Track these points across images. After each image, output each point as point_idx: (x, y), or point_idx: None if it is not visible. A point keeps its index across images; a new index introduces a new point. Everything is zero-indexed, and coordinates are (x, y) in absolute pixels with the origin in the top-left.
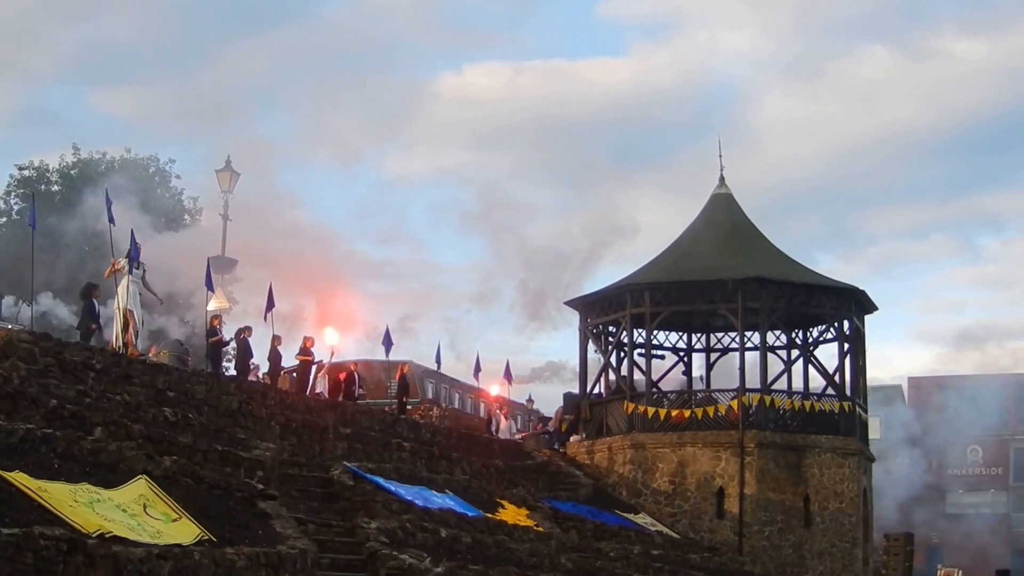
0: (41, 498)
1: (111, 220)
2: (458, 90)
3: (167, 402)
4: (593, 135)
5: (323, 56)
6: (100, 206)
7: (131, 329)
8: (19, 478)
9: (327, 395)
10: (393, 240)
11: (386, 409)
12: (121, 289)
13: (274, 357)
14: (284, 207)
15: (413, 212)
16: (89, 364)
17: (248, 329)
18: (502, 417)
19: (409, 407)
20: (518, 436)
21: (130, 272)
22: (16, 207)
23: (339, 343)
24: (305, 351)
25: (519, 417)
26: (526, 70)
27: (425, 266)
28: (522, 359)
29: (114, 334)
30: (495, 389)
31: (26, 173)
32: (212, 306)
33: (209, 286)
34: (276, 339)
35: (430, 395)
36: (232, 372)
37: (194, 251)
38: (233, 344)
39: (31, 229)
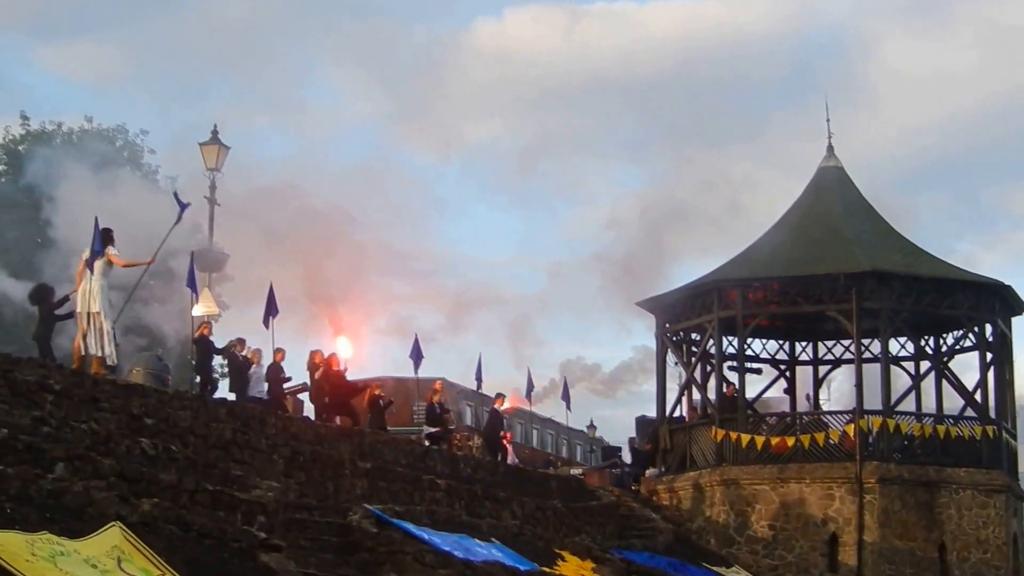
0: None
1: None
2: (498, 41)
3: (144, 431)
4: (667, 96)
5: None
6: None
7: (96, 337)
8: None
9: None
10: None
11: (414, 438)
12: (81, 291)
13: (275, 375)
14: (283, 188)
15: (443, 193)
16: (46, 384)
17: (241, 342)
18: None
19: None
20: (579, 471)
21: (90, 267)
22: None
23: (354, 356)
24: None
25: (579, 447)
26: (584, 15)
27: (460, 259)
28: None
29: (75, 346)
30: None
31: None
32: (198, 311)
33: (192, 287)
34: (278, 353)
35: (469, 421)
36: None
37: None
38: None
39: None
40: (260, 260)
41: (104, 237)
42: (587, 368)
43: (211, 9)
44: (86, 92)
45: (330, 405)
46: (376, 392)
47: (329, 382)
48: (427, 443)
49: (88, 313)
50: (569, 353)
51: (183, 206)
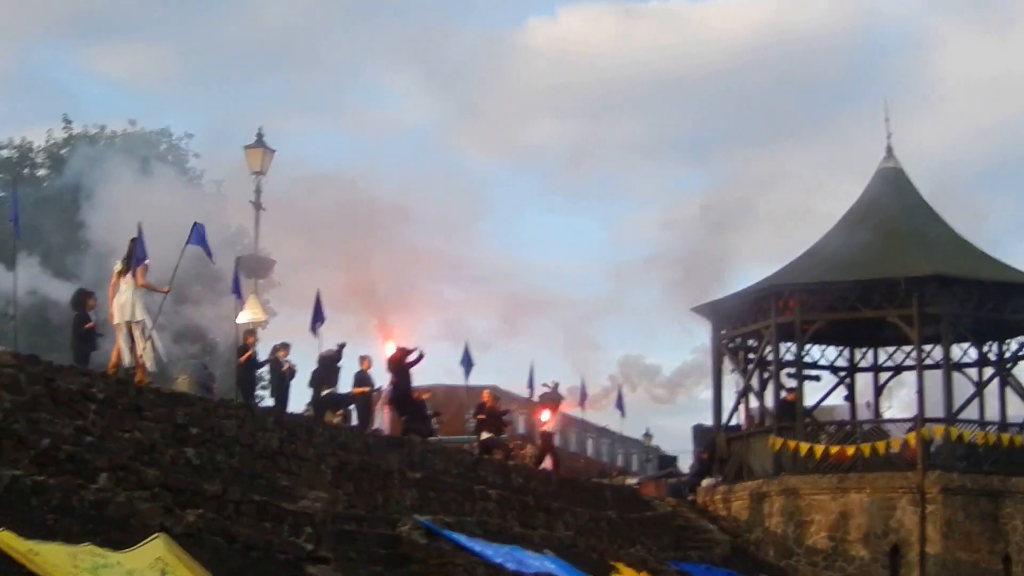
0: (32, 563)
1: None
2: (552, 41)
3: (189, 440)
4: (724, 96)
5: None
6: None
7: (136, 345)
8: (4, 538)
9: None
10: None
11: (466, 447)
12: (117, 303)
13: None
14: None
15: (496, 196)
16: (89, 393)
17: (285, 347)
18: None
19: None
20: (634, 480)
21: (133, 274)
22: None
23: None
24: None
25: (634, 456)
26: (638, 14)
27: (514, 263)
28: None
29: (115, 351)
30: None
31: (4, 153)
32: (244, 318)
33: (237, 292)
34: (364, 361)
35: (521, 429)
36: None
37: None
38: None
39: (13, 226)
40: (309, 265)
41: (129, 250)
42: (646, 369)
43: (259, 11)
44: (131, 96)
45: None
46: (425, 398)
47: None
48: (482, 439)
49: (127, 323)
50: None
51: (209, 252)
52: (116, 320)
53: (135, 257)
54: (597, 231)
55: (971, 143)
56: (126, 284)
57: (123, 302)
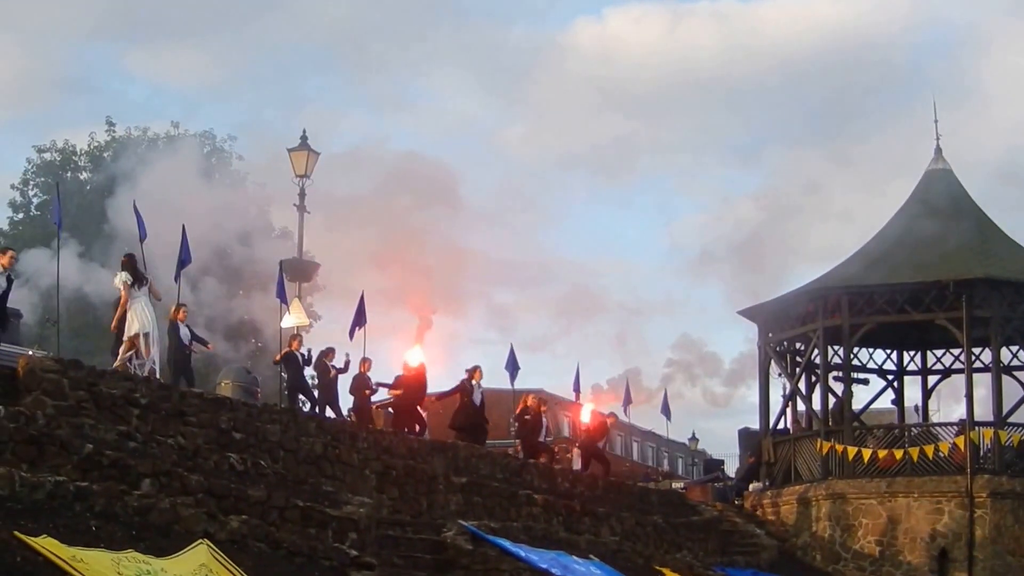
0: (76, 570)
1: (143, 235)
2: (599, 41)
3: (232, 446)
4: (772, 96)
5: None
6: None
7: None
8: (47, 544)
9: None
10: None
11: (510, 451)
12: (139, 313)
13: (361, 387)
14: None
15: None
16: (132, 398)
17: (331, 351)
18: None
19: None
20: (680, 484)
21: (176, 279)
22: (36, 199)
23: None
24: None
25: (680, 460)
26: (686, 14)
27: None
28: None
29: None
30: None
31: (47, 156)
32: (288, 322)
33: (282, 297)
34: (365, 363)
35: (566, 433)
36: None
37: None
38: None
39: (56, 227)
40: (355, 267)
41: (131, 265)
42: (704, 357)
43: (304, 14)
44: (173, 96)
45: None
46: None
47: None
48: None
49: (145, 334)
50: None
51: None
52: (136, 329)
53: (181, 259)
54: (646, 231)
55: (1022, 142)
56: (142, 295)
57: (142, 313)
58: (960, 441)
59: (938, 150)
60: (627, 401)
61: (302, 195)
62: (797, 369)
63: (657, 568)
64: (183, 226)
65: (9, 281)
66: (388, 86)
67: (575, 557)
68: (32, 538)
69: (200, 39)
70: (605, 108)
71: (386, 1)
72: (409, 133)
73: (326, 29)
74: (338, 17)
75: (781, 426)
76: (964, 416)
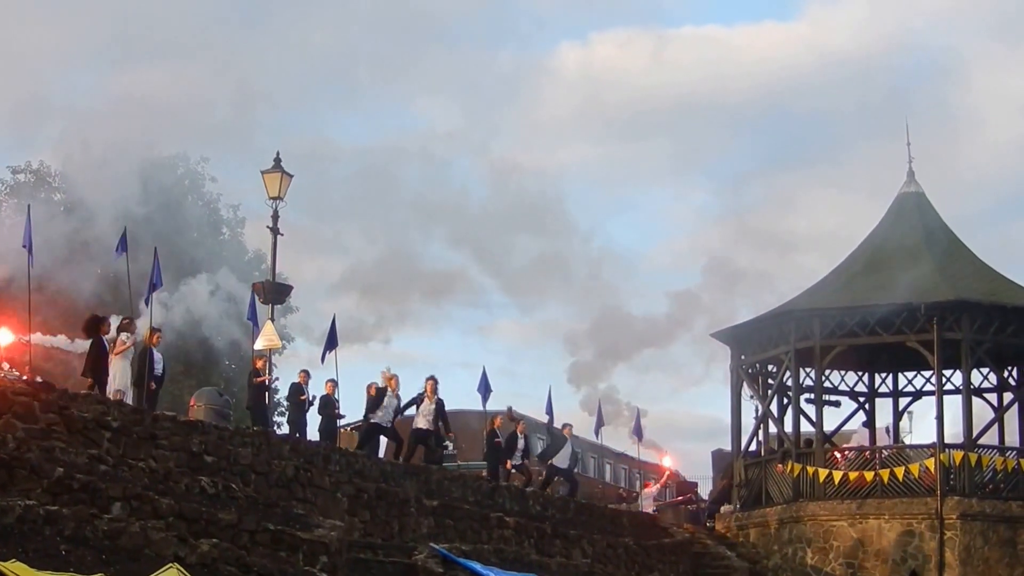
0: None
1: (158, 284)
2: (584, 66)
3: (204, 469)
4: (751, 121)
5: (407, 23)
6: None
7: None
8: (16, 569)
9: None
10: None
11: (482, 474)
12: (115, 368)
13: (327, 408)
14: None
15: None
16: (103, 421)
17: (304, 373)
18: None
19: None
20: (652, 507)
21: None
22: (8, 221)
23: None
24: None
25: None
26: (671, 39)
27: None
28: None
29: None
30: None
31: (21, 178)
32: (259, 345)
33: (253, 319)
34: (330, 384)
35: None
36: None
37: None
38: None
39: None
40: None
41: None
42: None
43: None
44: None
45: None
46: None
47: None
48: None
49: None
50: (658, 408)
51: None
52: (117, 385)
53: (152, 283)
54: (627, 253)
55: (997, 166)
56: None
57: (117, 369)
58: (931, 463)
59: (911, 173)
60: (599, 424)
61: (275, 217)
62: (769, 391)
63: None
64: (155, 249)
65: None
66: (372, 112)
67: None
68: (1, 563)
69: (179, 62)
70: (590, 131)
71: (371, 24)
72: (393, 155)
73: (309, 54)
74: (321, 42)
75: (753, 447)
76: (935, 438)
